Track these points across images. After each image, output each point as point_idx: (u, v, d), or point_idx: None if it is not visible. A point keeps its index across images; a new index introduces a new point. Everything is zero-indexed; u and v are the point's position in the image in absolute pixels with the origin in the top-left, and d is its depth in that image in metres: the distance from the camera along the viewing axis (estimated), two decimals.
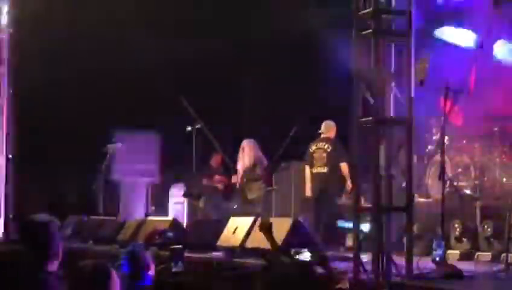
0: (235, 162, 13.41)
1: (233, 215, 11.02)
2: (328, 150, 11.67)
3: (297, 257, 8.34)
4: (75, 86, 15.22)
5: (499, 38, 11.25)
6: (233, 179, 13.18)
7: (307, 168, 11.88)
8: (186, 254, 9.98)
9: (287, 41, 14.55)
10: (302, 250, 8.49)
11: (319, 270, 6.60)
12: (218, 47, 15.01)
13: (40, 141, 15.28)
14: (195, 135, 13.42)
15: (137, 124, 15.19)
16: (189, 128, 13.43)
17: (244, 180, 12.81)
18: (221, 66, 15.26)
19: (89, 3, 14.82)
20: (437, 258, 7.92)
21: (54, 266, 5.01)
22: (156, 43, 14.79)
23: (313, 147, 11.85)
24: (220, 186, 14.25)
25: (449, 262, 8.29)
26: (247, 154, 12.78)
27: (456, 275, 7.61)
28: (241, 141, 13.14)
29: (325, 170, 11.64)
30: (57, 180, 16.16)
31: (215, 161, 14.51)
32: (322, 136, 11.91)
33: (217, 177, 14.22)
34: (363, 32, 7.67)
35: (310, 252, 8.41)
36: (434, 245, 8.15)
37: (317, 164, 11.72)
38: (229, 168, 14.04)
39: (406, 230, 7.70)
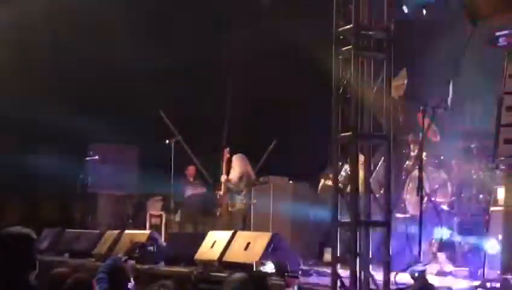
0: (213, 173, 13.47)
1: (211, 229, 11.02)
2: None
3: (260, 268, 8.42)
4: (53, 96, 15.13)
5: None
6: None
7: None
8: (165, 268, 9.98)
9: (269, 53, 14.59)
10: (266, 262, 8.57)
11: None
12: (198, 58, 15.03)
13: (17, 153, 15.17)
14: (174, 147, 13.45)
15: (115, 136, 15.15)
16: (167, 142, 13.48)
17: (227, 192, 12.90)
18: (201, 77, 15.28)
19: (68, 16, 14.75)
20: (416, 274, 7.94)
21: (31, 278, 4.99)
22: (134, 54, 14.77)
23: None
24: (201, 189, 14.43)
25: (426, 277, 8.30)
26: (235, 168, 12.88)
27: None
28: (219, 152, 13.23)
29: None
30: (33, 193, 16.05)
31: (189, 172, 14.58)
32: None
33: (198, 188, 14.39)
34: (343, 48, 7.71)
35: (273, 263, 8.49)
36: (413, 260, 8.18)
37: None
38: (205, 179, 14.09)
39: (384, 245, 7.71)
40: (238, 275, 4.41)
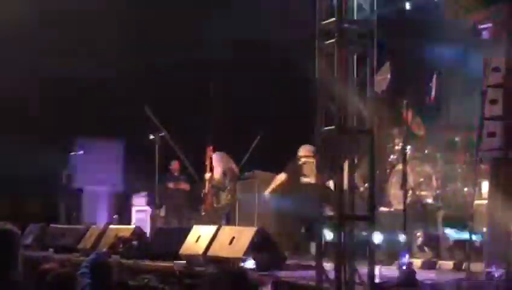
0: (197, 169, 13.48)
1: (195, 224, 11.02)
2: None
3: (241, 264, 8.44)
4: (37, 92, 15.08)
5: None
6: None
7: None
8: (149, 263, 9.97)
9: (251, 48, 14.57)
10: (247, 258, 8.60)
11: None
12: (181, 53, 15.01)
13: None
14: (158, 143, 13.43)
15: (99, 132, 15.11)
16: (152, 137, 13.45)
17: (211, 189, 12.93)
18: (185, 72, 15.25)
19: (53, 8, 14.70)
20: (403, 267, 7.95)
21: (14, 275, 4.97)
22: (118, 50, 14.74)
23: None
24: (185, 187, 14.40)
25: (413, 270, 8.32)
26: (216, 165, 12.92)
27: (413, 282, 7.62)
28: (204, 148, 13.24)
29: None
30: (17, 189, 15.99)
31: (174, 167, 14.58)
32: None
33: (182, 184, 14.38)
34: (326, 42, 7.70)
35: (254, 260, 8.51)
36: (399, 254, 8.21)
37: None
38: (190, 175, 14.08)
39: (368, 239, 7.73)
40: (213, 272, 4.40)
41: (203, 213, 13.27)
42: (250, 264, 8.52)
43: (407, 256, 8.17)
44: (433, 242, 10.30)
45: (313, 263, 7.99)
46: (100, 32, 14.69)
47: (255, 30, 13.40)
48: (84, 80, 14.98)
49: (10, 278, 4.87)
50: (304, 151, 12.39)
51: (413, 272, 7.92)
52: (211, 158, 13.19)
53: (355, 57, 7.74)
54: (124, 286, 6.56)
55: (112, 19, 14.98)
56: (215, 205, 12.96)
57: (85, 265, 6.61)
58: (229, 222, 12.62)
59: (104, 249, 10.27)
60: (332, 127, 7.57)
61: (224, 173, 12.95)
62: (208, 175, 13.15)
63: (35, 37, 14.85)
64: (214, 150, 13.28)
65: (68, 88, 15.34)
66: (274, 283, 7.74)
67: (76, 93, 15.31)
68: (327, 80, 7.61)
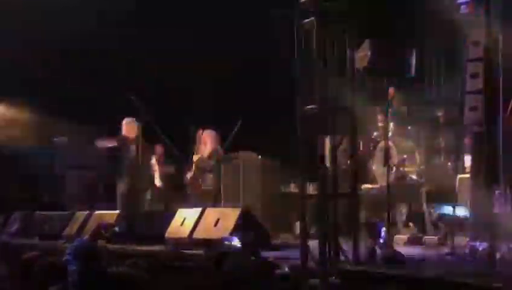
0: (182, 152, 13.46)
1: (182, 207, 11.01)
2: None
3: (226, 243, 8.42)
4: (18, 78, 14.98)
5: None
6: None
7: None
8: (135, 247, 9.96)
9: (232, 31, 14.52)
10: (231, 238, 8.58)
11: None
12: (164, 37, 14.94)
13: None
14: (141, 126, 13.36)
15: (82, 117, 15.05)
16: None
17: (197, 171, 12.93)
18: (166, 55, 15.20)
19: None
20: (381, 241, 8.00)
21: None
22: (102, 32, 14.66)
23: None
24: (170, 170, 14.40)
25: (396, 246, 8.34)
26: (206, 144, 12.89)
27: (397, 258, 7.63)
28: (188, 132, 13.22)
29: None
30: (1, 176, 15.92)
31: (157, 151, 14.56)
32: None
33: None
34: (306, 20, 7.68)
35: (239, 240, 8.51)
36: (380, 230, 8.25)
37: None
38: (174, 159, 14.05)
39: (352, 216, 7.75)
40: None
41: (191, 195, 13.23)
42: (236, 243, 8.51)
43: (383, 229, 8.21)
44: (418, 218, 10.33)
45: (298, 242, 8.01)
46: (81, 16, 14.59)
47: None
48: (67, 62, 14.90)
49: None
50: None
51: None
52: (200, 141, 13.14)
53: (335, 34, 7.72)
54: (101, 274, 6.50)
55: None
56: (202, 187, 12.93)
57: (68, 253, 6.57)
58: (216, 203, 12.60)
59: (86, 236, 10.24)
60: (314, 106, 7.57)
61: (210, 154, 12.90)
62: (195, 157, 13.10)
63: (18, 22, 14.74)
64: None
65: (51, 71, 15.23)
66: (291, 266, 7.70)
67: (59, 77, 15.20)
68: (307, 58, 7.60)
